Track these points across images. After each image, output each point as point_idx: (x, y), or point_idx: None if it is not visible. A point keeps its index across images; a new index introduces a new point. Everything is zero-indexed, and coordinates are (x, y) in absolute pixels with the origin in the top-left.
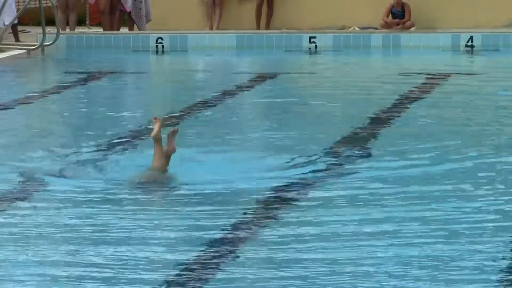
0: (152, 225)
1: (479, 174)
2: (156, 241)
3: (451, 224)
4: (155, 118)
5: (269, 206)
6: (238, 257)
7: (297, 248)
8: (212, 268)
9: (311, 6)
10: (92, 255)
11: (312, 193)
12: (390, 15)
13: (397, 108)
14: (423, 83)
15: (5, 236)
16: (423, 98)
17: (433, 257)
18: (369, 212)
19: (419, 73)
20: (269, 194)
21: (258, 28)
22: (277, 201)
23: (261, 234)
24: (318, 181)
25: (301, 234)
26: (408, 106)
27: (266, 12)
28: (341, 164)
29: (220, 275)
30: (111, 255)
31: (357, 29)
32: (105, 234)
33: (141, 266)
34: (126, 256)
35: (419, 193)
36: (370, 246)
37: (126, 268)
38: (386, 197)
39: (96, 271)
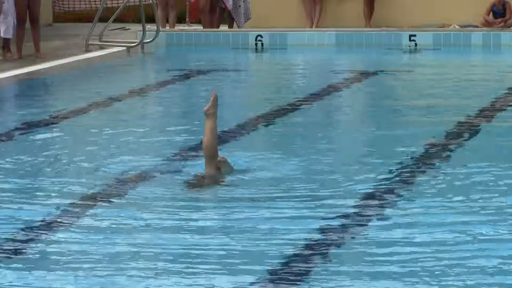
0: (240, 225)
1: None
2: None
3: None
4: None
5: (369, 205)
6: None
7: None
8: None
9: (411, 4)
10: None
11: (410, 195)
12: (491, 13)
13: (498, 107)
14: None
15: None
16: None
17: None
18: (465, 216)
19: None
20: (364, 194)
21: (368, 25)
22: (376, 200)
23: (362, 233)
24: (416, 183)
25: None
26: (509, 106)
27: (366, 11)
28: (440, 166)
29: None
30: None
31: (457, 27)
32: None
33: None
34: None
35: None
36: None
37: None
38: (485, 202)
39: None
